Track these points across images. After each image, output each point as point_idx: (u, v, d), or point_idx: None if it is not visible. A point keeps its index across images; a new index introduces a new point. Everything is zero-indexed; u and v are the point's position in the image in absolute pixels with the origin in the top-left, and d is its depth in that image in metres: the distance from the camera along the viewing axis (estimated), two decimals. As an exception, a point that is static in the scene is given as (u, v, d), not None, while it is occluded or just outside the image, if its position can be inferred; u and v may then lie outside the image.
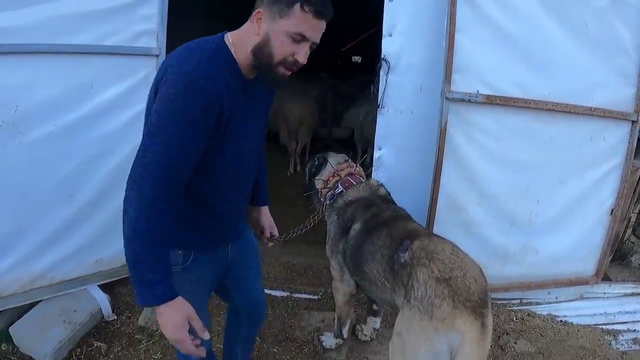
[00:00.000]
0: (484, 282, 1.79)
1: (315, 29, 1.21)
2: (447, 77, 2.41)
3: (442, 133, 2.46)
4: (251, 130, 1.42)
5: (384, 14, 2.52)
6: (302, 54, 1.22)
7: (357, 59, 13.79)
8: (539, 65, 2.59)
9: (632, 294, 3.20)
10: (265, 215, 1.91)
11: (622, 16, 2.73)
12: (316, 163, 2.36)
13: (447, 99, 2.42)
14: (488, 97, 2.48)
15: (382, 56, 2.53)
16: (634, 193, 3.08)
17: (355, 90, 7.01)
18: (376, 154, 2.69)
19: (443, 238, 1.93)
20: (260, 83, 1.37)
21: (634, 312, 3.06)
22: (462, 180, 2.60)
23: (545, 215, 2.82)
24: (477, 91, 2.46)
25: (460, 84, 2.45)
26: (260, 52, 1.23)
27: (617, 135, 2.86)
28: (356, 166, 2.36)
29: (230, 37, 1.28)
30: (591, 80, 2.72)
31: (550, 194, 2.79)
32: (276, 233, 1.92)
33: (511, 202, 2.72)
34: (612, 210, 2.98)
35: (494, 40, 2.48)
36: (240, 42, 1.27)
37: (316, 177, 2.35)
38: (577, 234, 2.95)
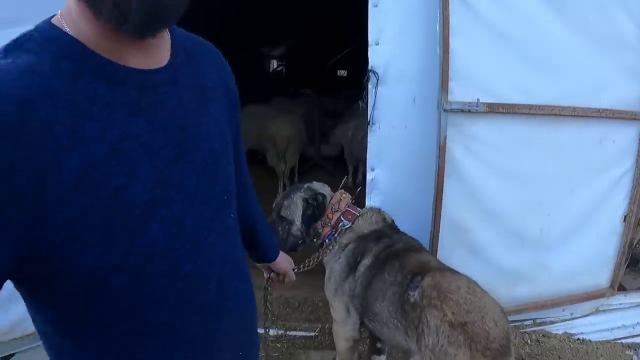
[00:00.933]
0: (505, 324, 1.57)
1: None
2: (444, 87, 2.18)
3: (442, 149, 2.22)
4: (186, 162, 0.72)
5: (369, 21, 2.27)
6: None
7: (342, 72, 13.41)
8: (541, 66, 2.37)
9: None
10: (282, 263, 1.38)
11: (625, 8, 2.54)
12: (316, 204, 1.97)
13: (444, 110, 2.19)
14: (490, 105, 2.25)
15: (370, 67, 2.29)
16: (646, 196, 2.88)
17: (342, 105, 6.79)
18: (369, 175, 2.44)
19: (458, 273, 1.71)
20: (179, 69, 0.74)
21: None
22: (466, 199, 2.36)
23: (556, 229, 2.60)
24: (478, 100, 2.22)
25: (458, 93, 2.21)
26: None
27: (626, 137, 2.66)
28: (344, 192, 2.10)
29: (59, 11, 0.66)
30: (597, 79, 2.51)
31: (561, 205, 2.57)
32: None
33: (520, 218, 2.50)
34: (625, 216, 2.77)
35: (491, 43, 2.26)
36: (70, 7, 0.64)
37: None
38: (591, 245, 2.73)
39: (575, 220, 2.63)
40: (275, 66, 13.87)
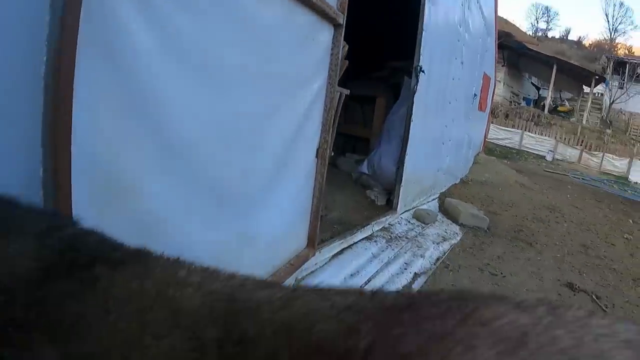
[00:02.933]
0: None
1: None
2: None
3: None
4: None
5: None
6: None
7: None
8: None
9: (340, 253, 2.57)
10: None
11: None
12: None
13: None
14: None
15: None
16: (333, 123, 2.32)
17: None
18: None
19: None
20: None
21: (351, 276, 2.43)
22: (127, 115, 0.98)
23: (260, 173, 1.63)
24: None
25: None
26: None
27: (324, 42, 1.97)
28: None
29: None
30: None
31: (263, 130, 1.60)
32: None
33: (214, 154, 1.34)
34: (317, 150, 2.12)
35: None
36: None
37: None
38: (292, 193, 1.94)
39: (278, 160, 1.74)
40: None
